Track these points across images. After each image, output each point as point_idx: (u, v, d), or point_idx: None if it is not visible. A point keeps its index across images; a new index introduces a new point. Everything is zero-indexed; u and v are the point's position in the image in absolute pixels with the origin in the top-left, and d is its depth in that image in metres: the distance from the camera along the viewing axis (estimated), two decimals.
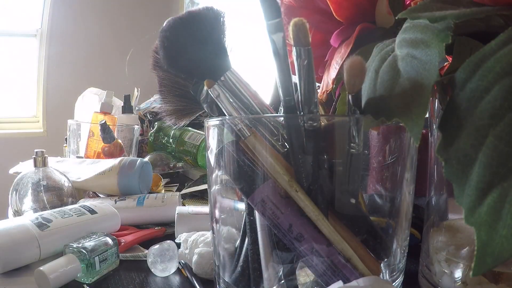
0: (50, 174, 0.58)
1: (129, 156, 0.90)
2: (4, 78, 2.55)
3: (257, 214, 0.28)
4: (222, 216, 0.31)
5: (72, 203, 0.58)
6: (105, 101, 0.94)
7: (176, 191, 0.82)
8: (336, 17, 0.34)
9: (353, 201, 0.26)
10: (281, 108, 0.27)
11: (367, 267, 0.26)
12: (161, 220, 0.55)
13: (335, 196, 0.26)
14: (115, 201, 0.57)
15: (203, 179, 0.85)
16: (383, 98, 0.24)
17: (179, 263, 0.41)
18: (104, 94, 0.97)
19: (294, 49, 0.24)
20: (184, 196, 0.73)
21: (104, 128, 0.83)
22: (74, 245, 0.39)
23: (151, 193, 0.68)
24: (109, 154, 0.83)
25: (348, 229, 0.26)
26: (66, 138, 1.42)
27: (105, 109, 0.93)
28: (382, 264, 0.28)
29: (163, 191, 0.80)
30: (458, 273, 0.29)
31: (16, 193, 0.56)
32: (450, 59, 0.29)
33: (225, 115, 0.29)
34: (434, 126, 0.32)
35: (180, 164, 0.97)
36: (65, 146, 1.42)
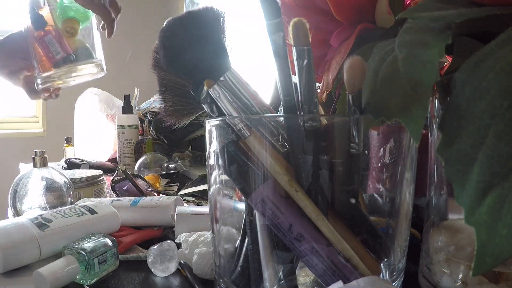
0: (50, 174, 0.58)
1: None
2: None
3: (257, 214, 0.28)
4: (222, 216, 0.31)
5: (72, 203, 0.58)
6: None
7: (176, 191, 0.82)
8: (336, 17, 0.34)
9: (353, 201, 0.26)
10: (281, 108, 0.27)
11: (367, 267, 0.26)
12: (154, 222, 0.55)
13: (335, 196, 0.26)
14: (111, 201, 0.57)
15: (203, 179, 0.85)
16: (383, 98, 0.24)
17: (179, 263, 0.41)
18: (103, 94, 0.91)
19: (294, 49, 0.24)
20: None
21: (33, 12, 0.67)
22: (73, 247, 0.39)
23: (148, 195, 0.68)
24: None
25: (348, 229, 0.26)
26: (66, 138, 1.43)
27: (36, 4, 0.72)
28: (382, 264, 0.28)
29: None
30: (458, 273, 0.29)
31: (15, 193, 0.56)
32: (450, 59, 0.29)
33: (225, 115, 0.29)
34: (434, 126, 0.32)
35: (172, 165, 0.97)
36: (65, 146, 1.42)
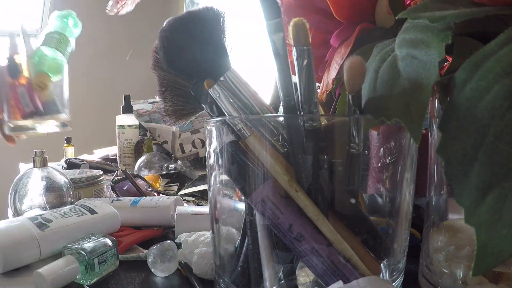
0: (50, 174, 0.58)
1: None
2: None
3: (257, 214, 0.28)
4: (222, 216, 0.31)
5: (72, 203, 0.58)
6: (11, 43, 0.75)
7: (176, 191, 0.82)
8: (336, 17, 0.34)
9: (353, 201, 0.26)
10: (281, 108, 0.27)
11: (367, 267, 0.26)
12: (154, 222, 0.55)
13: (335, 196, 0.26)
14: (112, 201, 0.57)
15: (203, 179, 0.85)
16: (383, 98, 0.24)
17: (179, 263, 0.41)
18: None
19: (294, 49, 0.24)
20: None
21: (11, 61, 0.71)
22: (73, 247, 0.39)
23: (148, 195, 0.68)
24: (12, 89, 0.72)
25: (348, 229, 0.26)
26: (66, 138, 1.43)
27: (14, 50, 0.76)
28: (382, 264, 0.28)
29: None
30: (458, 273, 0.29)
31: (15, 193, 0.56)
32: (450, 59, 0.29)
33: (225, 115, 0.29)
34: (434, 126, 0.32)
35: (172, 165, 0.97)
36: (65, 146, 1.42)
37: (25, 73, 0.75)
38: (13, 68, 0.73)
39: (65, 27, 0.82)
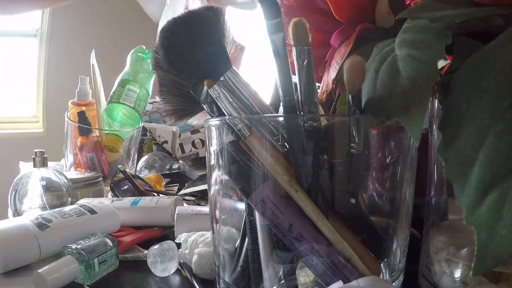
0: (50, 174, 0.58)
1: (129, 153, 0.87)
2: (4, 78, 2.55)
3: (257, 214, 0.28)
4: (222, 216, 0.31)
5: (72, 203, 0.58)
6: (80, 89, 0.82)
7: (176, 191, 0.82)
8: (336, 17, 0.34)
9: (353, 201, 0.26)
10: (281, 108, 0.27)
11: (367, 267, 0.26)
12: (154, 222, 0.55)
13: (335, 196, 0.26)
14: (112, 201, 0.57)
15: (203, 179, 0.85)
16: (383, 98, 0.24)
17: (179, 263, 0.41)
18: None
19: (294, 49, 0.24)
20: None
21: (82, 117, 0.77)
22: (73, 247, 0.39)
23: (148, 195, 0.68)
24: (82, 149, 0.78)
25: (348, 229, 0.26)
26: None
27: (82, 99, 0.82)
28: (382, 264, 0.28)
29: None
30: (458, 273, 0.29)
31: (15, 193, 0.56)
32: (450, 59, 0.29)
33: (225, 115, 0.29)
34: (434, 126, 0.32)
35: (176, 165, 0.97)
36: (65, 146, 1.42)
37: (96, 132, 0.79)
38: (84, 123, 0.77)
39: (145, 69, 0.82)
